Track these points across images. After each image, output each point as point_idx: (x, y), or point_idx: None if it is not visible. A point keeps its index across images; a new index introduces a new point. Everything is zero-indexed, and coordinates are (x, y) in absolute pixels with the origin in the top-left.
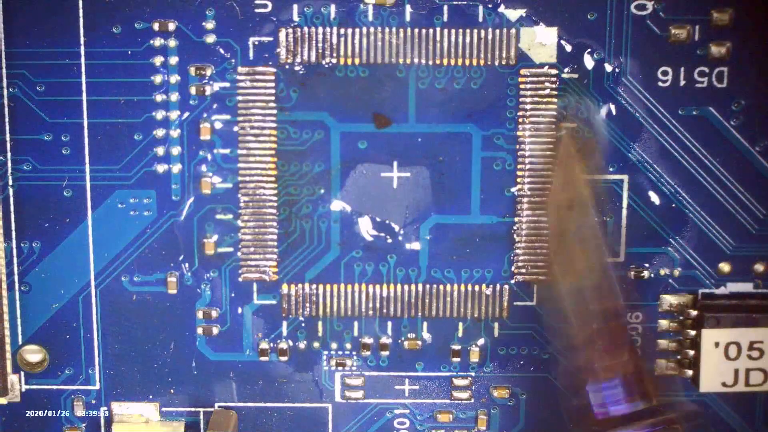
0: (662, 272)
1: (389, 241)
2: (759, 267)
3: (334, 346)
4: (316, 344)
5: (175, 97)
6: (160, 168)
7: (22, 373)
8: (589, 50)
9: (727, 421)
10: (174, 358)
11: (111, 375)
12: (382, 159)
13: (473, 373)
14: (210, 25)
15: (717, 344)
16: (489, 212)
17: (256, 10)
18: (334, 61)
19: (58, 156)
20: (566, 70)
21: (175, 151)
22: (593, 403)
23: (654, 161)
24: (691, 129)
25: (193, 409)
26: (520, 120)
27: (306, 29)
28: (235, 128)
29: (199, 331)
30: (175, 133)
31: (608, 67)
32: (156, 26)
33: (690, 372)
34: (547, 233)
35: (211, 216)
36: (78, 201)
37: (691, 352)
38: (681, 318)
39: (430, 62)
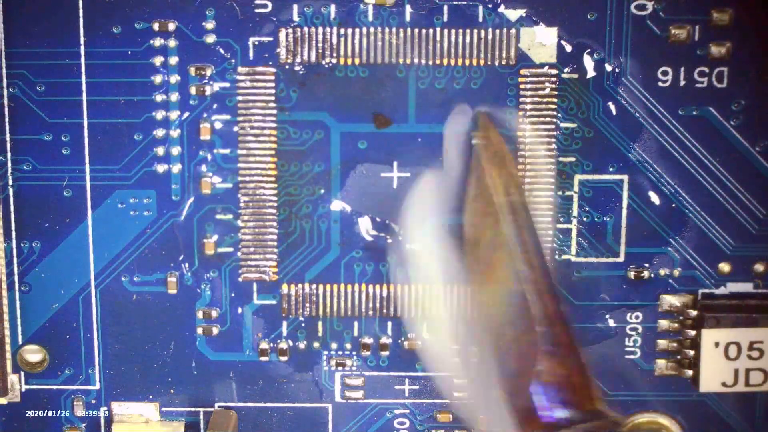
0: (662, 272)
1: (389, 241)
2: (759, 267)
3: (334, 346)
4: (316, 344)
5: (175, 97)
6: (160, 168)
7: (22, 373)
8: (589, 50)
9: (727, 421)
10: (174, 358)
11: (111, 375)
12: (382, 159)
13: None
14: (210, 25)
15: (717, 344)
16: None
17: (256, 10)
18: (334, 61)
19: (58, 156)
20: (566, 70)
21: (175, 151)
22: (537, 406)
23: (654, 161)
24: (691, 129)
25: (193, 409)
26: (520, 120)
27: (306, 29)
28: (235, 128)
29: (199, 331)
30: (175, 133)
31: (608, 67)
32: (156, 26)
33: (690, 372)
34: (547, 233)
35: (211, 216)
36: (78, 201)
37: (691, 352)
38: (681, 318)
39: (430, 62)
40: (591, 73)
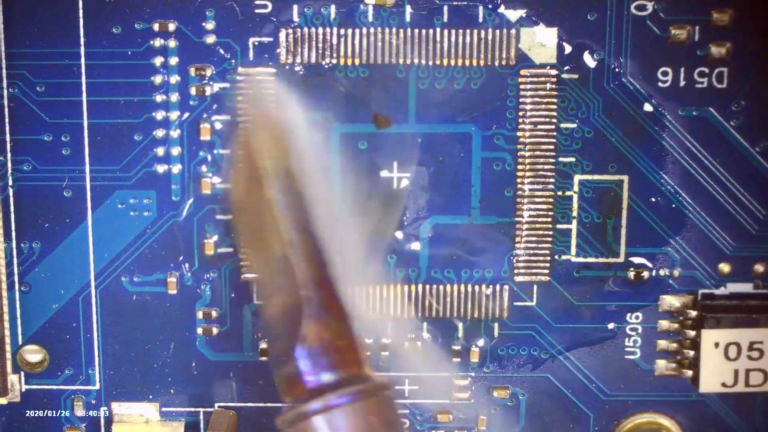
0: (662, 272)
1: (389, 241)
2: (759, 267)
3: None
4: None
5: (175, 97)
6: (160, 168)
7: (22, 373)
8: (589, 50)
9: (727, 421)
10: (174, 358)
11: (111, 375)
12: (382, 159)
13: (473, 373)
14: (210, 25)
15: (717, 344)
16: (489, 212)
17: (256, 11)
18: (334, 61)
19: (58, 156)
20: (566, 70)
21: (175, 151)
22: (302, 371)
23: (654, 161)
24: (691, 129)
25: (193, 409)
26: (520, 120)
27: (306, 30)
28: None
29: (199, 331)
30: (175, 133)
31: (608, 68)
32: (156, 27)
33: (690, 372)
34: (548, 233)
35: (211, 216)
36: (78, 201)
37: (691, 353)
38: (681, 318)
39: (430, 63)
40: (591, 73)
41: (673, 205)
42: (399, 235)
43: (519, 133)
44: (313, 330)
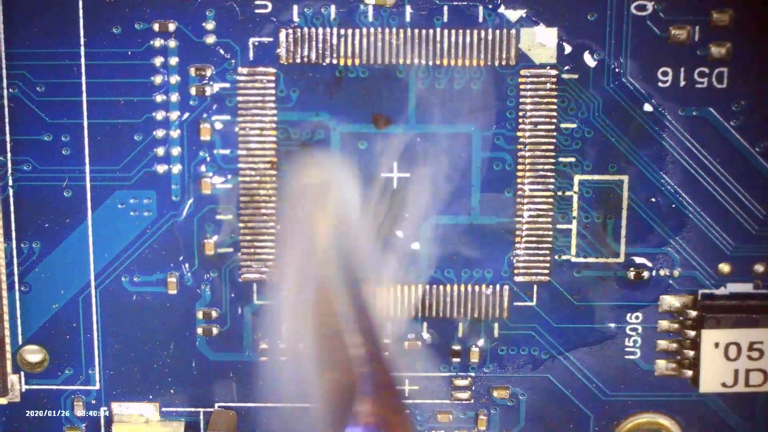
0: (662, 272)
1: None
2: (759, 267)
3: None
4: None
5: (175, 97)
6: (160, 168)
7: (22, 373)
8: (589, 50)
9: (727, 421)
10: (174, 358)
11: (111, 375)
12: (382, 159)
13: (473, 373)
14: (210, 25)
15: (717, 345)
16: (489, 212)
17: (256, 11)
18: (334, 61)
19: (58, 156)
20: (566, 70)
21: (175, 151)
22: None
23: (654, 161)
24: (691, 129)
25: (193, 409)
26: (520, 120)
27: (306, 30)
28: (236, 129)
29: (199, 331)
30: (175, 133)
31: (608, 68)
32: (156, 27)
33: (690, 372)
34: (548, 233)
35: (211, 216)
36: (78, 201)
37: (691, 353)
38: (681, 318)
39: (430, 63)
40: (591, 73)
41: (673, 205)
42: (399, 234)
43: (519, 133)
44: (368, 407)
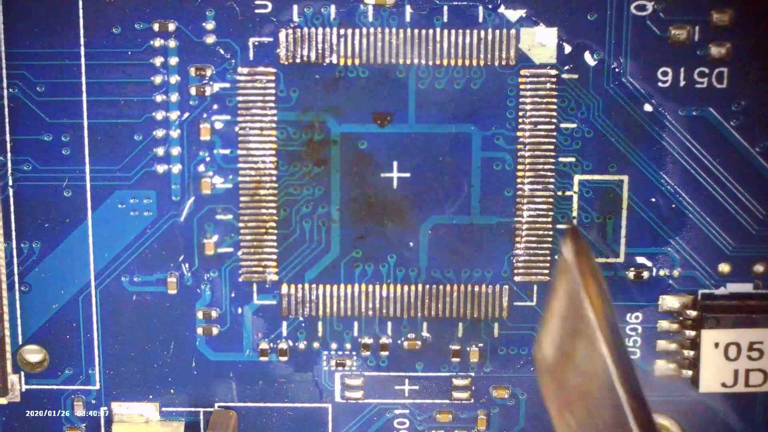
0: (662, 272)
1: (390, 241)
2: (759, 267)
3: (334, 346)
4: (316, 344)
5: (175, 97)
6: (160, 168)
7: (22, 373)
8: (589, 50)
9: (727, 421)
10: (174, 358)
11: (111, 375)
12: (382, 159)
13: (473, 373)
14: (210, 25)
15: (717, 345)
16: (489, 212)
17: (256, 11)
18: (334, 61)
19: (58, 156)
20: (566, 70)
21: (175, 151)
22: None
23: (654, 161)
24: (691, 129)
25: (193, 409)
26: (520, 120)
27: (306, 30)
28: (236, 128)
29: (199, 331)
30: (175, 133)
31: (608, 68)
32: (156, 27)
33: (690, 372)
34: (548, 233)
35: (211, 216)
36: (78, 201)
37: (691, 353)
38: (681, 318)
39: (430, 63)
40: (591, 73)
41: (673, 205)
42: (399, 233)
43: (519, 133)
44: None
